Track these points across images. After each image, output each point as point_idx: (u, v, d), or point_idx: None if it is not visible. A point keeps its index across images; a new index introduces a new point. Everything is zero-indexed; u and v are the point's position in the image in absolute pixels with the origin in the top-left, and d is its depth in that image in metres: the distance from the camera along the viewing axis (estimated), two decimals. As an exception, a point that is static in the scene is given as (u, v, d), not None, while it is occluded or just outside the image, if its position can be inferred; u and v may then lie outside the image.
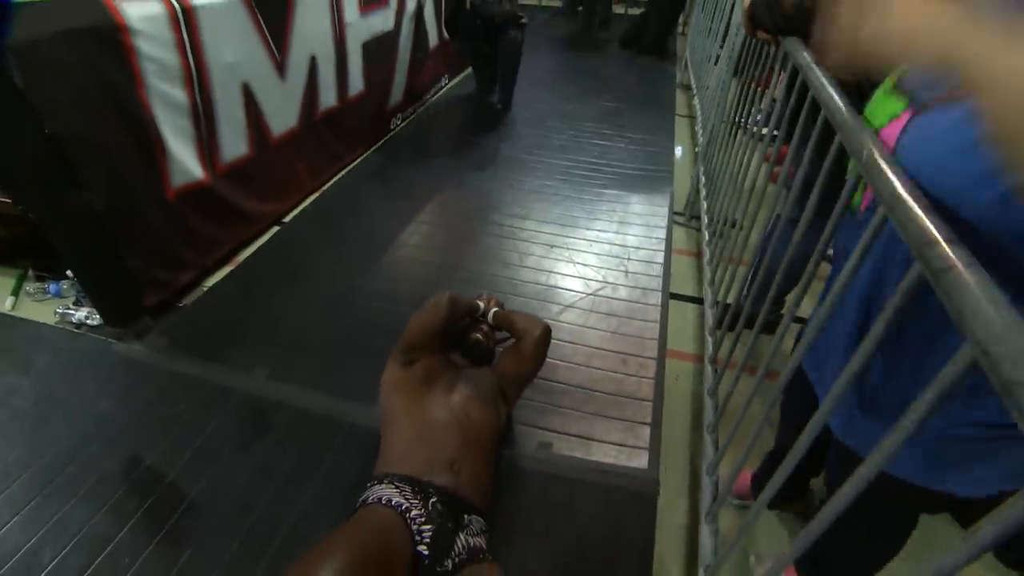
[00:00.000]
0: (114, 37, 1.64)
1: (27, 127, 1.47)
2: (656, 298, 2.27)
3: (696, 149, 3.42)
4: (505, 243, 2.58)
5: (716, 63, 3.24)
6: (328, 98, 2.75)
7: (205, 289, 2.20)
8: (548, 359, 1.64)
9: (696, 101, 4.05)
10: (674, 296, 2.34)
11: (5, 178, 1.64)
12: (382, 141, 3.52)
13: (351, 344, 1.97)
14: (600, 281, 2.36)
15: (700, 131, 3.50)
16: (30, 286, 2.17)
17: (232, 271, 2.31)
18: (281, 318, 2.09)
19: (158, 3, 1.76)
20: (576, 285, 2.33)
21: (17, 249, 2.26)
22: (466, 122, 3.99)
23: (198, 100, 1.95)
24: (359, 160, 3.27)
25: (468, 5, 3.56)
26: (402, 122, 3.75)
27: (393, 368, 1.45)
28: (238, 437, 1.63)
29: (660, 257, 2.52)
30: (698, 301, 2.35)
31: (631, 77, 5.04)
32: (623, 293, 2.30)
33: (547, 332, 1.57)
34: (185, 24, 1.84)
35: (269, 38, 2.22)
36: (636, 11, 6.48)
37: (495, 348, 1.65)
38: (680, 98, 4.62)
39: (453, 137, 3.76)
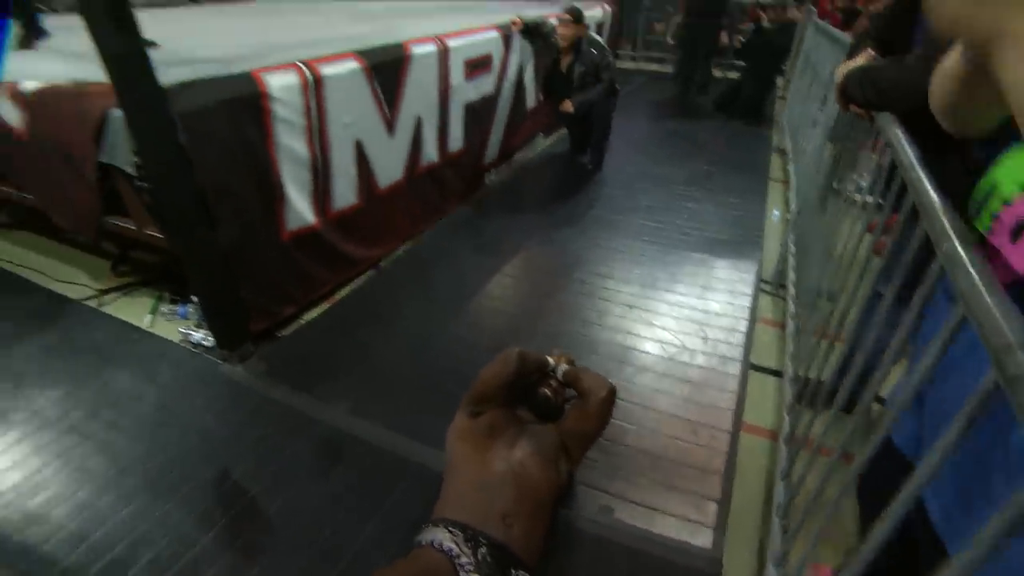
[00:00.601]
0: (256, 103, 1.93)
1: (183, 177, 1.75)
2: (735, 368, 2.19)
3: (788, 215, 3.32)
4: (585, 301, 2.61)
5: (814, 127, 3.17)
6: (430, 154, 2.99)
7: (303, 322, 2.41)
8: (617, 421, 1.63)
9: (791, 166, 3.95)
10: (755, 368, 2.25)
11: (161, 217, 1.94)
12: (476, 195, 3.73)
13: (428, 387, 2.07)
14: (677, 345, 2.32)
15: (793, 197, 3.40)
16: (164, 307, 2.49)
17: (329, 308, 2.52)
18: (367, 356, 2.23)
19: (294, 74, 2.05)
20: (652, 348, 2.31)
21: (160, 275, 2.63)
22: (557, 180, 4.14)
23: (318, 155, 2.22)
24: (453, 212, 3.49)
25: (564, 69, 3.76)
26: (496, 177, 3.96)
27: (461, 417, 1.51)
28: (315, 465, 1.74)
29: (743, 326, 2.44)
30: (779, 374, 2.24)
31: (724, 140, 5.02)
32: (700, 360, 2.24)
33: (612, 392, 1.57)
34: (314, 90, 2.12)
35: (383, 101, 2.50)
36: (734, 75, 6.50)
37: (563, 405, 1.67)
38: (775, 162, 4.53)
39: (543, 194, 3.91)
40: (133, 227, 2.19)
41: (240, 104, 1.88)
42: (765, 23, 5.82)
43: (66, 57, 2.44)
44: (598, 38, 3.94)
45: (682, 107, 6.14)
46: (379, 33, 2.91)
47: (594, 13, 4.89)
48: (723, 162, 4.40)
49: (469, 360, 2.15)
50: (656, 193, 3.80)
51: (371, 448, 1.80)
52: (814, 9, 5.31)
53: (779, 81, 6.30)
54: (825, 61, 3.30)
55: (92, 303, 2.61)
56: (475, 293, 2.68)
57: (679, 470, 1.75)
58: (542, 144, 4.72)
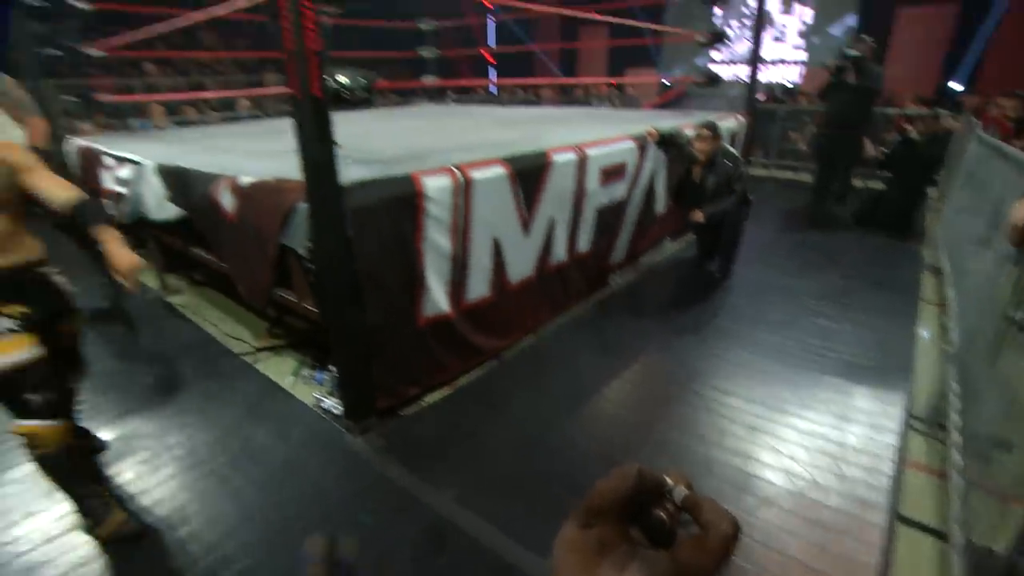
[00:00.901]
0: (413, 201, 2.19)
1: (345, 264, 2.00)
2: (879, 517, 1.93)
3: (946, 345, 2.97)
4: (703, 416, 2.49)
5: (984, 246, 2.86)
6: (559, 253, 3.14)
7: (424, 404, 2.54)
8: (735, 560, 1.49)
9: (950, 288, 3.57)
10: (905, 520, 1.96)
11: (320, 294, 2.22)
12: (600, 295, 3.78)
13: (536, 488, 2.05)
14: (807, 480, 2.10)
15: (954, 325, 3.05)
16: (305, 371, 2.77)
17: (450, 394, 2.63)
18: (480, 446, 2.28)
19: (448, 178, 2.31)
20: (778, 479, 2.11)
21: (305, 340, 2.95)
22: (682, 286, 4.10)
23: (459, 249, 2.43)
24: (576, 310, 3.55)
25: (696, 179, 3.82)
26: (621, 279, 4.01)
27: (571, 527, 1.47)
28: (417, 551, 1.77)
29: (888, 467, 2.16)
30: (939, 535, 1.92)
31: (863, 254, 4.69)
32: (835, 500, 2.00)
33: (737, 529, 1.46)
34: (463, 192, 2.37)
35: (522, 203, 2.71)
36: (877, 185, 6.16)
37: (677, 530, 1.57)
38: (927, 282, 4.11)
39: (667, 299, 3.87)
40: (294, 298, 2.50)
41: (400, 203, 2.15)
42: (913, 135, 5.53)
43: (272, 156, 2.98)
44: (732, 149, 3.99)
45: (816, 217, 5.88)
46: (525, 139, 3.20)
47: (728, 124, 4.97)
48: (861, 277, 4.10)
49: (580, 466, 2.12)
50: (785, 306, 3.61)
51: (472, 543, 1.80)
52: (976, 121, 4.96)
53: (931, 191, 5.86)
54: (994, 178, 3.05)
55: (249, 358, 2.96)
56: (591, 394, 2.66)
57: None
58: (669, 248, 4.73)
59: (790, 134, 8.02)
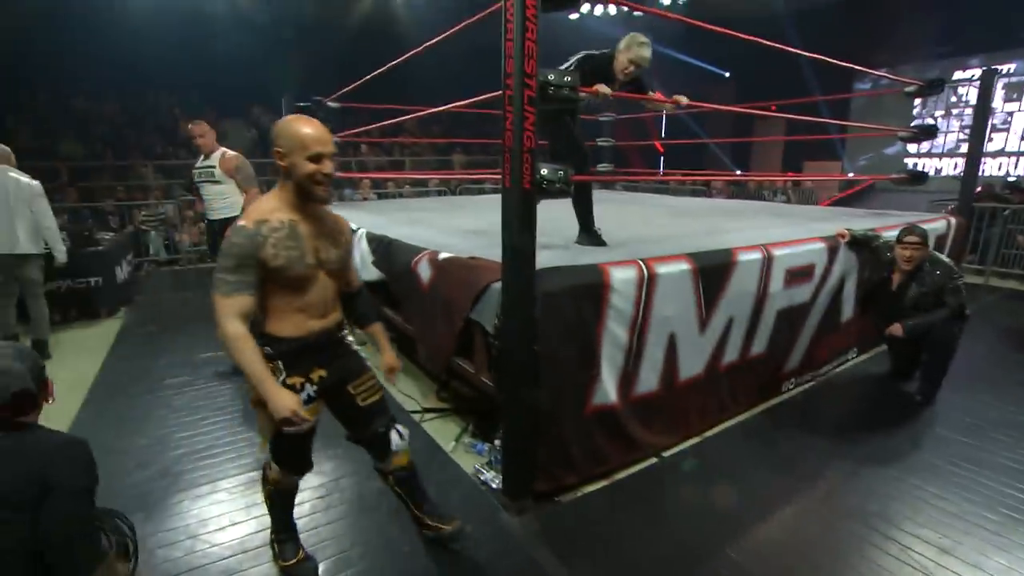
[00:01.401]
0: (599, 292, 2.24)
1: (529, 345, 2.08)
2: None
3: None
4: (908, 574, 2.06)
5: None
6: (732, 354, 2.95)
7: (580, 494, 2.47)
8: None
9: None
10: None
11: (500, 371, 2.32)
12: (771, 403, 3.45)
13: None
14: None
15: None
16: (466, 439, 2.87)
17: (606, 486, 2.53)
18: (635, 552, 2.13)
19: (634, 270, 2.34)
20: None
21: (468, 407, 3.07)
22: (870, 406, 3.56)
23: (635, 342, 2.41)
24: (744, 416, 3.26)
25: (894, 286, 3.41)
26: (795, 388, 3.63)
27: None
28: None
29: None
30: None
31: None
32: None
33: None
34: (647, 286, 2.36)
35: (703, 300, 2.63)
36: None
37: None
38: None
39: (850, 419, 3.38)
40: (471, 369, 2.64)
41: (586, 291, 2.21)
42: None
43: (463, 234, 3.28)
44: (942, 257, 3.51)
45: (1055, 340, 4.85)
46: (705, 232, 3.12)
47: (936, 226, 4.42)
48: None
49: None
50: (1019, 450, 2.94)
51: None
52: None
53: None
54: None
55: (416, 416, 3.16)
56: (758, 516, 2.37)
57: None
58: (853, 360, 4.20)
59: (1018, 237, 6.85)
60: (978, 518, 2.39)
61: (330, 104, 5.53)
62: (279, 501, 2.01)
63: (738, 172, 11.50)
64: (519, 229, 2.02)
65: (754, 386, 3.25)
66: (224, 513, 2.33)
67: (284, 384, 1.66)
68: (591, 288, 2.23)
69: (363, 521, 2.30)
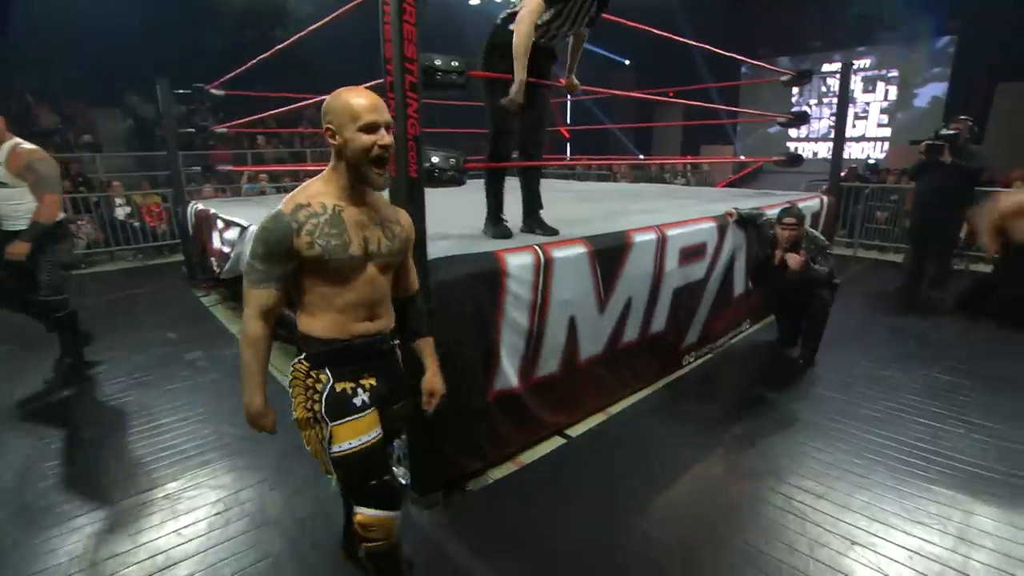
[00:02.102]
0: (496, 279, 2.23)
1: (424, 336, 2.03)
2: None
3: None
4: (791, 522, 2.26)
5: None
6: (632, 333, 3.07)
7: (490, 481, 2.47)
8: None
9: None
10: None
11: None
12: (671, 377, 3.63)
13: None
14: (924, 612, 1.83)
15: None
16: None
17: (516, 471, 2.55)
18: (546, 531, 2.17)
19: (531, 255, 2.35)
20: (886, 607, 1.86)
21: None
22: (761, 372, 3.86)
23: (535, 326, 2.43)
24: (647, 391, 3.41)
25: (776, 261, 3.69)
26: (695, 361, 3.85)
27: None
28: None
29: (1026, 609, 1.86)
30: None
31: (975, 347, 4.25)
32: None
33: None
34: (544, 270, 2.39)
35: (601, 282, 2.70)
36: (983, 268, 5.67)
37: None
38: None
39: (744, 385, 3.65)
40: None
41: (482, 279, 2.19)
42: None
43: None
44: (817, 234, 3.85)
45: (913, 301, 5.47)
46: (604, 215, 3.21)
47: (810, 204, 4.83)
48: (973, 373, 3.70)
49: (655, 570, 1.96)
50: (882, 401, 3.30)
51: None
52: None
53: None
54: None
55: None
56: (664, 487, 2.50)
57: None
58: (747, 331, 4.52)
59: (877, 214, 7.67)
60: (848, 464, 2.66)
61: (213, 92, 5.13)
62: (388, 558, 1.61)
63: (641, 156, 11.98)
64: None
65: (655, 362, 3.40)
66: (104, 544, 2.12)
67: (332, 392, 1.47)
68: (487, 275, 2.22)
69: (267, 535, 2.18)
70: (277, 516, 2.27)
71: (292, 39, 3.68)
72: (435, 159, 2.24)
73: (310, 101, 4.07)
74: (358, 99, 1.38)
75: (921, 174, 5.31)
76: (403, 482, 2.39)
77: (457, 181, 2.23)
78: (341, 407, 1.47)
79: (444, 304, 2.08)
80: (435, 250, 2.28)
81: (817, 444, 2.83)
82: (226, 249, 3.82)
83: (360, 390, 1.51)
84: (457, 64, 2.15)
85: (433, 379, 1.75)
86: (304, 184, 1.49)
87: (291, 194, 1.46)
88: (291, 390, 1.51)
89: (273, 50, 3.91)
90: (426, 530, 2.17)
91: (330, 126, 1.40)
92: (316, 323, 1.46)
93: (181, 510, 2.32)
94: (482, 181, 2.87)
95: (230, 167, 7.16)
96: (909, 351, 4.14)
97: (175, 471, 2.59)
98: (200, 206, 4.93)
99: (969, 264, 6.43)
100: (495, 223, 2.85)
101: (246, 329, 1.41)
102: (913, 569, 2.02)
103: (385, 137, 1.39)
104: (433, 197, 2.09)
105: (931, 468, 2.64)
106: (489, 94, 2.65)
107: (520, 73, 2.45)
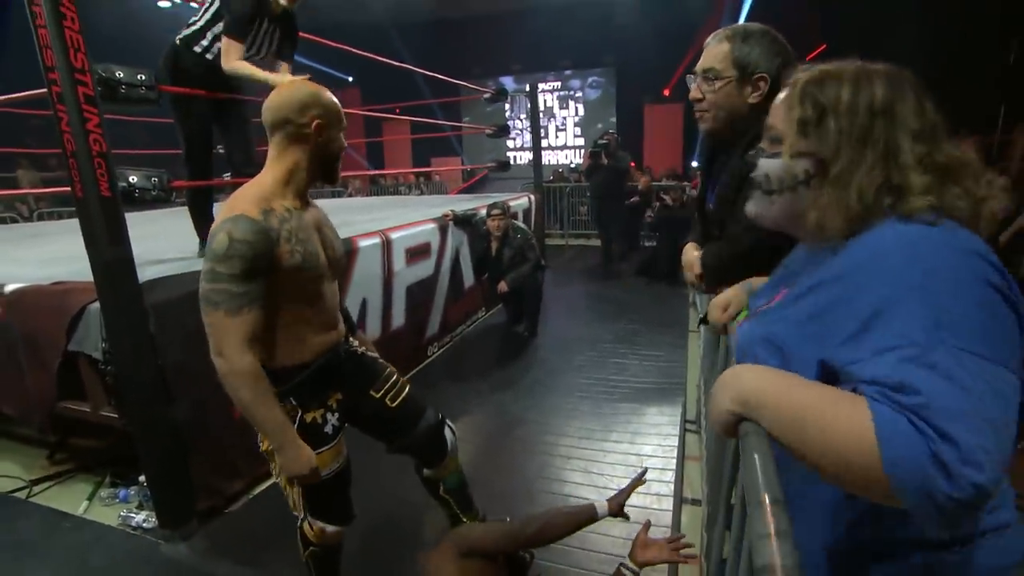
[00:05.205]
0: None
1: (147, 360, 1.94)
2: (668, 503, 2.34)
3: (700, 359, 3.71)
4: (526, 458, 2.76)
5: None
6: (373, 330, 3.29)
7: (251, 496, 2.43)
8: (564, 567, 1.72)
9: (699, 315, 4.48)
10: (685, 500, 2.41)
11: (121, 395, 2.08)
12: (419, 367, 3.97)
13: (382, 554, 2.10)
14: (614, 489, 2.45)
15: (700, 342, 3.83)
16: (104, 492, 2.46)
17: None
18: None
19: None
20: (591, 494, 2.44)
21: (102, 459, 2.63)
22: (496, 349, 4.46)
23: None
24: (398, 385, 3.67)
25: (493, 253, 4.33)
26: (439, 350, 4.26)
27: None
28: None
29: (673, 464, 2.64)
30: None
31: (647, 301, 5.61)
32: (636, 500, 2.36)
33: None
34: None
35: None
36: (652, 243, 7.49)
37: None
38: (693, 316, 5.07)
39: (484, 363, 4.17)
40: (87, 409, 2.28)
41: (205, 294, 2.16)
42: (668, 201, 6.96)
43: (41, 263, 2.73)
44: (521, 224, 4.62)
45: (607, 274, 6.89)
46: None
47: (521, 202, 5.72)
48: (646, 321, 4.90)
49: (415, 524, 2.21)
50: (586, 352, 4.17)
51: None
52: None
53: (690, 247, 7.27)
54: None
55: (21, 494, 2.53)
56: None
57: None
58: (482, 317, 5.14)
59: (580, 208, 9.33)
60: (570, 405, 3.32)
61: None
62: (328, 560, 1.65)
63: (371, 171, 12.30)
64: (109, 242, 1.85)
65: (401, 357, 3.68)
66: None
67: (302, 424, 1.36)
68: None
69: None
70: None
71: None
72: (133, 178, 2.13)
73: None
74: (334, 98, 1.36)
75: (592, 174, 6.77)
76: (146, 525, 2.21)
77: (163, 200, 2.15)
78: (315, 439, 1.41)
79: (165, 325, 2.00)
80: (149, 274, 2.17)
81: (542, 394, 3.47)
82: None
83: (329, 414, 1.46)
84: (144, 78, 2.08)
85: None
86: (245, 187, 1.32)
87: (239, 198, 1.27)
88: None
89: None
90: (186, 561, 2.05)
91: (320, 121, 1.31)
92: (290, 351, 1.35)
93: None
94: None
95: None
96: (606, 311, 5.25)
97: None
98: None
99: (645, 241, 8.33)
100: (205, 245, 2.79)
101: (246, 368, 1.23)
102: (609, 463, 2.68)
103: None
104: (146, 225, 2.00)
105: (618, 392, 3.47)
106: (177, 111, 2.59)
107: (259, 74, 2.46)
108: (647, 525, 1.39)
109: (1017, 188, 6.18)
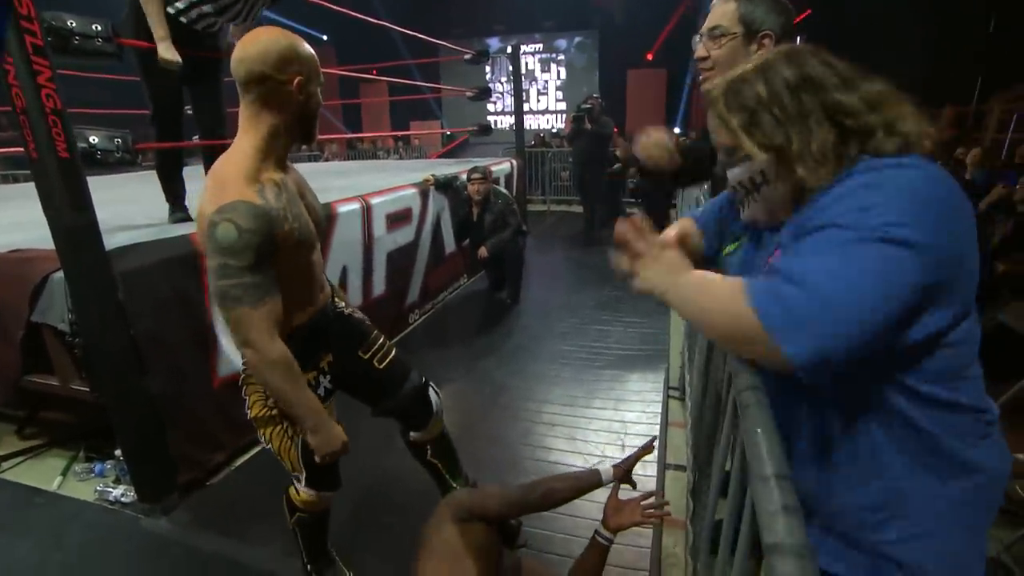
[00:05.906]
0: (194, 262, 2.12)
1: (118, 329, 1.86)
2: (652, 469, 2.37)
3: (682, 327, 3.74)
4: (510, 425, 2.77)
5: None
6: (354, 298, 3.22)
7: (233, 468, 2.40)
8: (540, 531, 1.73)
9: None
10: (668, 466, 2.44)
11: (91, 368, 2.00)
12: (401, 335, 3.92)
13: (366, 522, 2.09)
14: (598, 455, 2.49)
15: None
16: (79, 466, 2.40)
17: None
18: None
19: (232, 233, 2.29)
20: (575, 460, 2.46)
21: (74, 433, 2.56)
22: (478, 316, 4.44)
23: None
24: (381, 352, 3.64)
25: (475, 218, 4.25)
26: (420, 317, 4.21)
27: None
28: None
29: (656, 431, 2.67)
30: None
31: (629, 268, 5.62)
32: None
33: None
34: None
35: (314, 253, 2.76)
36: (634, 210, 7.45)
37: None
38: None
39: (466, 330, 4.15)
40: (56, 383, 2.20)
41: (177, 263, 2.07)
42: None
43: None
44: (502, 189, 4.54)
45: (589, 240, 6.86)
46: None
47: (503, 167, 5.61)
48: (628, 288, 4.89)
49: (404, 497, 2.21)
50: (569, 319, 4.17)
51: (302, 589, 1.77)
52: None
53: (673, 213, 7.26)
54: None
55: (-8, 470, 2.46)
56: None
57: (606, 572, 1.84)
58: (464, 284, 5.09)
59: (561, 173, 9.22)
60: (552, 372, 3.32)
61: None
62: (316, 525, 1.66)
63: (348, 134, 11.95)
64: (70, 206, 1.74)
65: (382, 324, 3.61)
66: None
67: None
68: (185, 260, 2.10)
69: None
70: None
71: None
72: (94, 139, 2.00)
73: None
74: (311, 50, 1.25)
75: (575, 140, 6.65)
76: (124, 500, 2.16)
77: (128, 163, 2.03)
78: None
79: (135, 294, 1.91)
80: (118, 240, 2.06)
81: (525, 361, 3.46)
82: None
83: (322, 377, 1.45)
84: (100, 28, 1.93)
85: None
86: (230, 159, 1.20)
87: (227, 177, 1.16)
88: (244, 387, 1.41)
89: None
90: (168, 535, 2.02)
91: (299, 76, 1.19)
92: (288, 318, 1.31)
93: None
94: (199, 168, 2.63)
95: None
96: (588, 278, 5.23)
97: None
98: None
99: (628, 208, 8.29)
100: (178, 209, 2.70)
101: (272, 358, 1.19)
102: (592, 430, 2.70)
103: None
104: (114, 189, 1.89)
105: (601, 359, 3.48)
106: (142, 66, 2.42)
107: (159, 29, 2.21)
108: (616, 488, 1.37)
109: (989, 157, 6.27)
